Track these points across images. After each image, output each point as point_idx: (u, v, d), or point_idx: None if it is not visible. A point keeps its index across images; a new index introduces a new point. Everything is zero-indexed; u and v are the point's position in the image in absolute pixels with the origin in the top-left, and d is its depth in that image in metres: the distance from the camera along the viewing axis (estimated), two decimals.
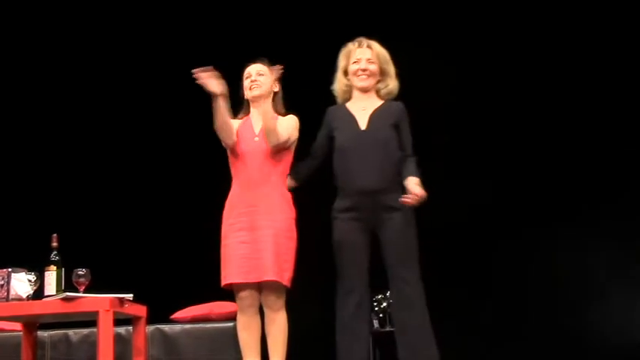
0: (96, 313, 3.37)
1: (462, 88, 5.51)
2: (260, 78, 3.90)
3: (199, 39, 5.70)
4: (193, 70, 3.66)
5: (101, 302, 3.38)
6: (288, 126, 3.87)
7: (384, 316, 5.03)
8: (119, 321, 3.73)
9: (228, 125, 3.81)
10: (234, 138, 3.83)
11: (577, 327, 5.11)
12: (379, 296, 4.99)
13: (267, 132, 3.77)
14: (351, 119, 3.93)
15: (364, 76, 3.97)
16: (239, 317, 3.76)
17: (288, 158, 3.90)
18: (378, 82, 4.01)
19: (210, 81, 3.68)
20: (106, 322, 3.35)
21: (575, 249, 5.20)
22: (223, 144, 3.87)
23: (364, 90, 3.99)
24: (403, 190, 3.74)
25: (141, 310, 3.74)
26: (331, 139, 3.94)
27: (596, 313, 5.15)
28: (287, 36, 5.47)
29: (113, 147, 5.85)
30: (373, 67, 3.98)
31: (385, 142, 3.86)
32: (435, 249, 5.03)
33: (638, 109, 5.39)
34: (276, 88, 3.97)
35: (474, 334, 5.16)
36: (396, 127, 3.91)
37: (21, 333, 3.91)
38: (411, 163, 3.85)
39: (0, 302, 3.49)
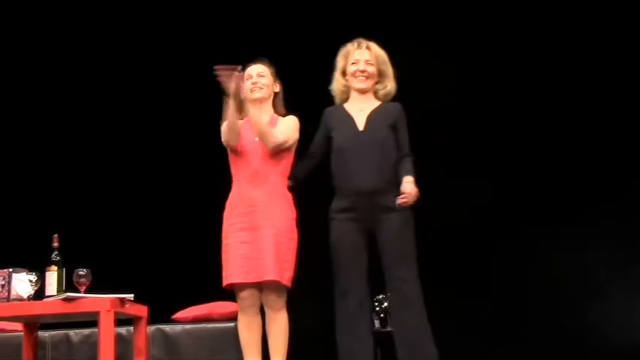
0: (97, 313, 3.37)
1: (461, 88, 5.51)
2: (261, 80, 3.91)
3: (199, 39, 5.70)
4: (218, 66, 3.66)
5: (102, 302, 3.37)
6: (288, 127, 3.87)
7: (385, 316, 5.03)
8: (120, 321, 3.73)
9: (237, 126, 3.81)
10: (239, 141, 3.83)
11: (577, 327, 5.11)
12: (380, 296, 4.98)
13: (261, 136, 3.77)
14: (349, 120, 3.93)
15: (362, 77, 3.98)
16: (240, 317, 3.76)
17: (289, 158, 3.90)
18: (376, 83, 4.02)
19: (233, 81, 3.67)
20: (106, 322, 3.35)
21: (575, 249, 5.20)
22: (225, 144, 3.87)
23: (362, 91, 3.99)
24: (400, 191, 3.75)
25: (142, 311, 3.73)
26: (329, 139, 3.95)
27: (596, 313, 5.15)
28: (286, 36, 5.47)
29: (114, 147, 5.85)
30: (371, 69, 3.98)
31: (383, 143, 3.86)
32: (435, 249, 5.04)
33: (638, 109, 5.39)
34: (277, 88, 3.98)
35: (474, 334, 5.16)
36: (394, 127, 3.92)
37: (22, 333, 3.90)
38: (408, 162, 3.86)
39: (1, 302, 3.48)
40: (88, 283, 3.47)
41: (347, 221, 3.81)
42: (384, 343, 4.90)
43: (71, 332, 4.65)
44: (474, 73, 5.53)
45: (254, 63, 3.97)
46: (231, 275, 3.70)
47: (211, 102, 3.92)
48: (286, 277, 3.69)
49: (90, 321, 3.80)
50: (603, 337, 5.08)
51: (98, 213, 5.71)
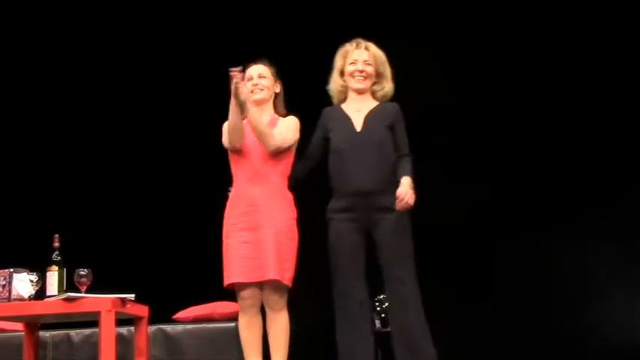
0: (98, 313, 3.37)
1: (461, 88, 5.51)
2: (262, 81, 3.91)
3: (199, 39, 5.71)
4: (232, 69, 3.66)
5: (103, 302, 3.37)
6: (288, 127, 3.88)
7: (387, 315, 5.03)
8: (121, 321, 3.74)
9: (241, 128, 3.81)
10: (242, 142, 3.84)
11: (577, 327, 5.11)
12: (381, 296, 4.98)
13: (260, 137, 3.77)
14: (347, 121, 3.93)
15: (360, 77, 3.98)
16: (241, 317, 3.77)
17: (289, 159, 3.90)
18: (374, 84, 4.02)
19: (241, 84, 3.68)
20: (107, 322, 3.35)
21: (575, 249, 5.20)
22: (226, 145, 3.87)
23: (360, 91, 4.00)
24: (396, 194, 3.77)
25: (143, 311, 3.73)
26: (326, 140, 3.95)
27: (596, 313, 5.15)
28: (286, 36, 5.47)
29: (115, 148, 5.85)
30: (370, 69, 3.99)
31: (380, 144, 3.87)
32: (435, 249, 5.05)
33: (638, 109, 5.39)
34: (277, 89, 3.98)
35: (474, 334, 5.16)
36: (392, 128, 3.92)
37: (23, 333, 3.91)
38: (406, 163, 3.87)
39: (2, 302, 3.48)
40: (88, 283, 3.47)
41: (345, 221, 3.82)
42: (385, 343, 4.91)
43: (72, 332, 4.65)
44: (474, 73, 5.53)
45: (254, 63, 3.96)
46: (232, 275, 3.71)
47: (211, 102, 3.93)
48: (287, 276, 3.70)
49: (91, 321, 3.81)
50: (603, 337, 5.08)
51: (99, 213, 5.71)
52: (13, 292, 3.50)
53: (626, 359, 4.97)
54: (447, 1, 5.63)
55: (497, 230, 5.32)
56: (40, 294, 3.53)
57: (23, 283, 3.52)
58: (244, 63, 3.95)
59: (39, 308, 3.49)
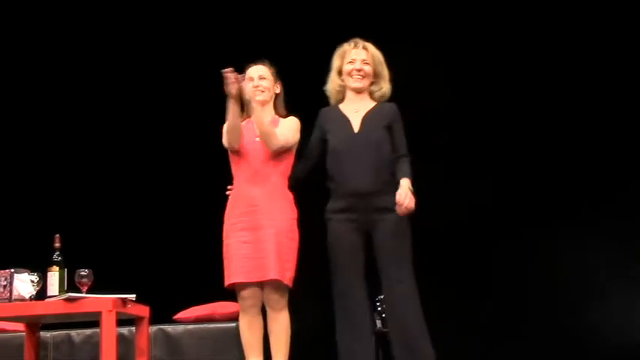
0: (98, 313, 3.37)
1: (461, 88, 5.51)
2: (262, 82, 3.90)
3: (199, 40, 5.71)
4: (224, 70, 3.67)
5: (104, 303, 3.37)
6: (289, 128, 3.88)
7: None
8: (122, 321, 3.74)
9: (240, 129, 3.82)
10: (240, 142, 3.84)
11: (577, 327, 5.11)
12: (381, 296, 4.98)
13: (264, 137, 3.78)
14: (344, 121, 3.94)
15: (359, 76, 3.98)
16: (241, 317, 3.77)
17: (290, 159, 3.91)
18: (372, 84, 4.02)
19: (234, 84, 3.69)
20: (108, 322, 3.35)
21: (575, 249, 5.20)
22: (226, 145, 3.87)
23: (358, 91, 4.00)
24: (397, 191, 3.77)
25: (144, 311, 3.73)
26: (324, 141, 3.96)
27: (596, 313, 5.16)
28: (285, 37, 5.48)
29: (115, 148, 5.86)
30: (368, 68, 3.99)
31: (378, 144, 3.87)
32: (435, 249, 5.05)
33: (638, 109, 5.39)
34: (278, 89, 3.98)
35: (474, 334, 5.16)
36: (389, 128, 3.92)
37: (24, 333, 3.91)
38: (405, 163, 3.87)
39: (3, 303, 3.48)
40: (89, 283, 3.47)
41: (344, 222, 3.82)
42: (386, 343, 4.92)
43: (73, 332, 4.67)
44: (474, 73, 5.54)
45: (255, 64, 3.97)
46: (232, 275, 3.71)
47: (212, 103, 3.93)
48: (287, 276, 3.70)
49: (92, 321, 3.83)
50: (603, 337, 5.08)
51: (100, 213, 5.72)
52: (14, 293, 3.50)
53: (626, 359, 4.97)
54: (447, 1, 5.63)
55: (497, 230, 5.32)
56: (41, 294, 3.53)
57: (24, 283, 3.52)
58: (244, 63, 3.96)
59: (40, 308, 3.49)
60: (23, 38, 5.95)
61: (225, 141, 3.87)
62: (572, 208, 5.33)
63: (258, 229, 3.72)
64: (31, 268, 3.56)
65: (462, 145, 5.49)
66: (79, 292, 3.45)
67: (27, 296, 3.51)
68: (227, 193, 3.91)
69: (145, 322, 3.76)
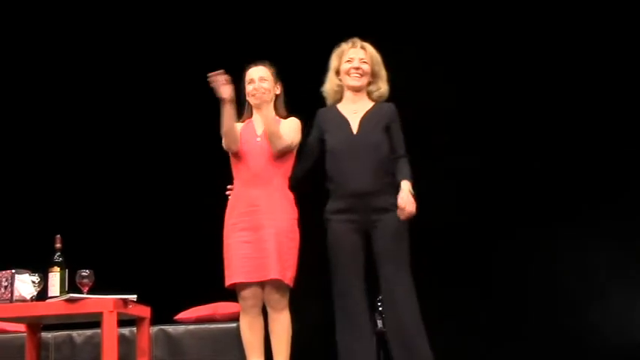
0: (100, 314, 3.37)
1: (462, 88, 5.52)
2: (263, 84, 3.90)
3: (198, 41, 5.71)
4: (209, 74, 3.67)
5: (105, 303, 3.37)
6: (291, 129, 3.89)
7: None
8: (123, 322, 3.74)
9: (234, 131, 3.82)
10: (239, 144, 3.85)
11: (577, 327, 5.11)
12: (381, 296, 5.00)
13: (271, 137, 3.78)
14: (343, 122, 3.94)
15: (357, 75, 3.98)
16: (242, 318, 3.77)
17: (290, 159, 3.91)
18: (370, 83, 4.02)
19: (224, 86, 3.69)
20: (109, 323, 3.35)
21: (575, 249, 5.21)
22: (226, 148, 3.88)
23: (356, 89, 4.00)
24: (396, 192, 3.78)
25: (145, 311, 3.74)
26: (322, 141, 3.96)
27: (596, 313, 5.16)
28: (284, 37, 5.48)
29: (116, 148, 5.86)
30: (366, 67, 3.99)
31: (377, 145, 3.88)
32: (435, 249, 5.06)
33: (638, 109, 5.40)
34: (278, 90, 3.98)
35: (474, 334, 5.17)
36: (388, 129, 3.93)
37: (25, 334, 3.91)
38: (404, 164, 3.88)
39: (4, 303, 3.49)
40: (90, 283, 3.47)
41: (344, 222, 3.83)
42: (386, 342, 4.92)
43: (74, 333, 4.66)
44: (475, 73, 5.54)
45: (255, 65, 3.97)
46: (233, 275, 3.71)
47: (213, 103, 3.93)
48: (288, 276, 3.70)
49: (93, 322, 3.83)
50: (603, 337, 5.09)
51: (101, 214, 5.72)
52: (15, 293, 3.50)
53: (626, 359, 4.98)
54: (447, 2, 5.63)
55: (497, 230, 5.33)
56: (42, 295, 3.52)
57: (25, 284, 3.52)
58: (243, 64, 3.97)
59: (41, 309, 3.49)
60: (24, 40, 5.95)
61: (223, 144, 3.87)
62: (572, 208, 5.33)
63: (259, 229, 3.72)
64: (32, 269, 3.56)
65: (462, 145, 5.49)
66: (80, 292, 3.45)
67: (28, 297, 3.51)
68: (227, 193, 3.92)
69: (146, 322, 3.77)
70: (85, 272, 3.48)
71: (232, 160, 3.91)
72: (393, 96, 4.06)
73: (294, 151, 3.93)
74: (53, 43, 5.91)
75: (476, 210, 5.34)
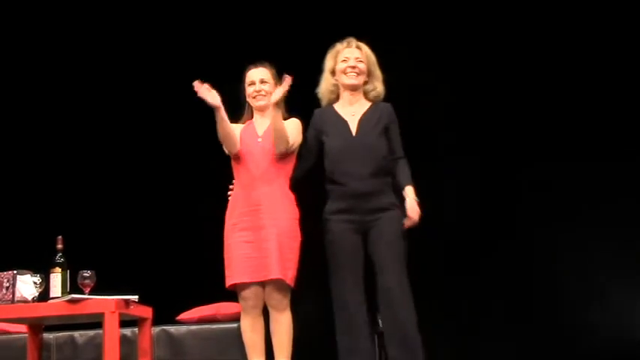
0: (101, 314, 3.38)
1: (462, 88, 5.52)
2: (264, 87, 3.91)
3: (198, 41, 5.72)
4: (194, 83, 3.68)
5: (106, 304, 3.38)
6: (293, 130, 3.89)
7: None
8: (125, 322, 3.73)
9: (231, 135, 3.83)
10: (238, 147, 3.85)
11: (577, 326, 5.12)
12: None
13: (278, 138, 3.78)
14: (341, 124, 3.95)
15: (353, 73, 3.99)
16: (243, 318, 3.78)
17: (291, 159, 3.92)
18: (366, 83, 4.03)
19: (208, 94, 3.68)
20: (111, 323, 3.36)
21: (575, 249, 5.21)
22: (226, 151, 3.89)
23: (353, 88, 4.00)
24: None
25: (146, 312, 3.75)
26: (321, 142, 3.97)
27: (596, 313, 5.16)
28: (281, 38, 5.48)
29: (117, 149, 5.86)
30: (362, 66, 4.00)
31: (375, 146, 3.89)
32: (435, 249, 5.06)
33: (638, 108, 5.40)
34: None
35: (474, 334, 5.17)
36: (386, 130, 3.95)
37: (26, 335, 3.91)
38: (404, 166, 3.91)
39: (5, 304, 3.50)
40: (92, 284, 3.48)
41: (343, 223, 3.84)
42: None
43: (76, 334, 4.67)
44: (475, 73, 5.54)
45: (255, 66, 3.98)
46: (234, 275, 3.72)
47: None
48: (290, 276, 3.71)
49: (95, 322, 3.82)
50: (603, 336, 5.08)
51: (102, 214, 5.72)
52: (17, 294, 3.51)
53: (626, 359, 4.98)
54: (447, 2, 5.64)
55: (497, 230, 5.33)
56: (44, 296, 3.53)
57: (27, 284, 3.52)
58: (243, 65, 3.97)
59: (43, 310, 3.50)
60: (25, 40, 5.96)
61: (224, 148, 3.88)
62: (572, 208, 5.33)
63: (260, 229, 3.73)
64: (33, 270, 3.57)
65: (462, 145, 5.50)
66: (82, 293, 3.46)
67: (30, 298, 3.51)
68: (228, 193, 3.92)
69: (148, 323, 3.77)
70: (87, 273, 3.49)
71: (233, 161, 3.91)
72: (394, 96, 4.07)
73: (295, 152, 3.93)
74: (57, 45, 5.92)
75: (476, 210, 5.34)
